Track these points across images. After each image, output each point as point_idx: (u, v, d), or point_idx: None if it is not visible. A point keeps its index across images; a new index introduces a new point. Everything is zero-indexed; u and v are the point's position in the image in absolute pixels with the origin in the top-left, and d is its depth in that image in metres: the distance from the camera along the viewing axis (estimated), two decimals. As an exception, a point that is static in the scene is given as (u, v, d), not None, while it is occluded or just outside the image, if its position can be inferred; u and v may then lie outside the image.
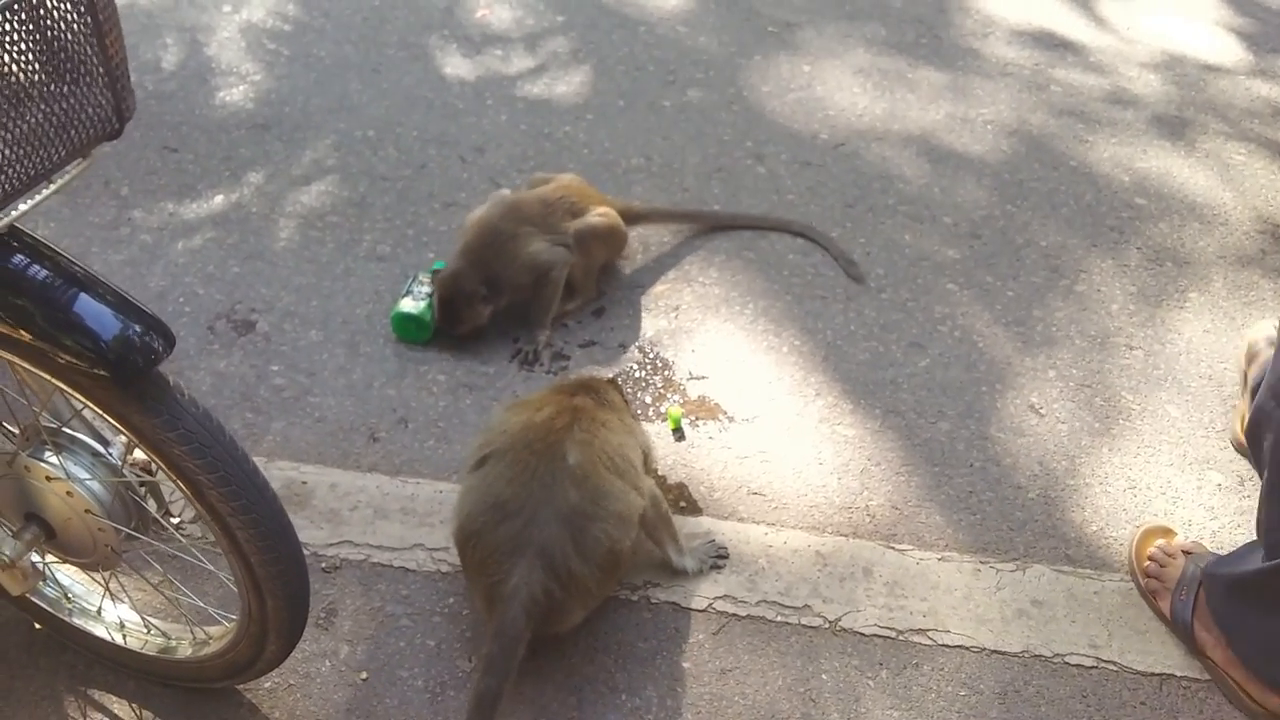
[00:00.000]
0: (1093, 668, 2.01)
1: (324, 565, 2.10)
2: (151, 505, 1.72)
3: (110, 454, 1.66)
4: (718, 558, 2.13)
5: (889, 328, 2.64)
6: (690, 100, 3.29)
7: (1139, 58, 3.56)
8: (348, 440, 2.34)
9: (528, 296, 2.58)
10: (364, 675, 1.94)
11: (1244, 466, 2.36)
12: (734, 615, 2.05)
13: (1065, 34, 3.64)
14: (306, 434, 2.35)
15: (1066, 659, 2.02)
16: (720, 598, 2.07)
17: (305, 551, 2.10)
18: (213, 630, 1.85)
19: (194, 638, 1.87)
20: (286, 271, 2.71)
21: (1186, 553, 2.09)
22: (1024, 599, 2.10)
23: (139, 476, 1.69)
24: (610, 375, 2.36)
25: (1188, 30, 3.56)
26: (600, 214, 2.64)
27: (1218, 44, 3.66)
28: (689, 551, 2.10)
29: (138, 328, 1.44)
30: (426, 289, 2.56)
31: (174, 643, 1.88)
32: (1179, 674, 2.00)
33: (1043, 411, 2.47)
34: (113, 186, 2.91)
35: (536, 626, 1.83)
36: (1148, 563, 2.11)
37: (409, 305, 2.52)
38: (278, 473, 2.25)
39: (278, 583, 1.64)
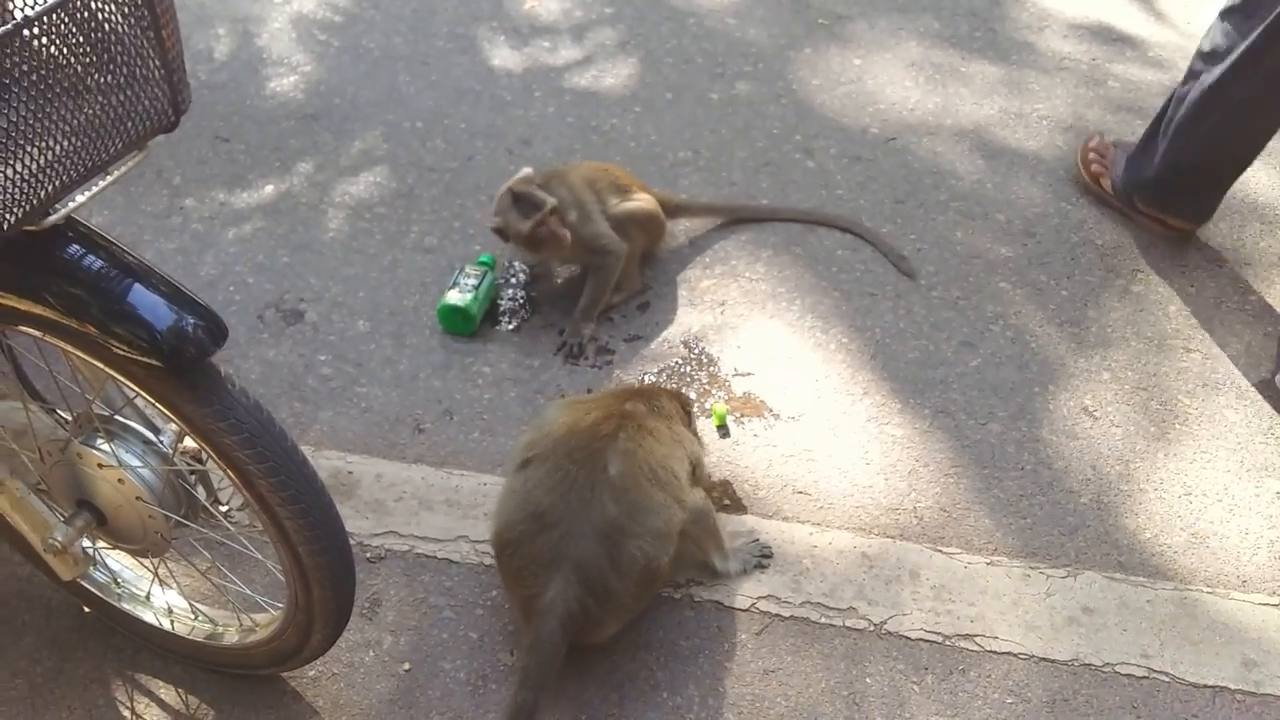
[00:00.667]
0: (1144, 678, 1.96)
1: (369, 555, 2.12)
2: (201, 493, 1.74)
3: (161, 442, 1.68)
4: (762, 557, 2.11)
5: (939, 326, 2.60)
6: (739, 93, 3.26)
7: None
8: (394, 431, 2.35)
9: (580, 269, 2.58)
10: (406, 666, 1.95)
11: (1305, 475, 2.30)
12: (777, 616, 2.04)
13: (1123, 28, 3.56)
14: (353, 424, 2.36)
15: (1117, 668, 1.98)
16: (764, 598, 2.06)
17: (350, 542, 2.12)
18: (259, 618, 1.87)
19: (240, 625, 1.89)
20: (335, 262, 2.73)
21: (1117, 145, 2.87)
22: (1074, 606, 2.06)
23: (189, 465, 1.71)
24: (677, 388, 2.33)
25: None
26: (640, 199, 2.62)
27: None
28: (732, 554, 2.09)
29: (191, 319, 1.45)
30: (473, 281, 2.56)
31: (220, 629, 1.90)
32: (1232, 686, 1.96)
33: (1096, 414, 2.42)
34: (165, 176, 2.95)
35: (573, 638, 1.83)
36: (1090, 154, 2.87)
37: (455, 297, 2.53)
38: (325, 462, 2.27)
39: (324, 572, 1.66)
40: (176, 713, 1.90)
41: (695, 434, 2.18)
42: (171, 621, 1.92)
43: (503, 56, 3.39)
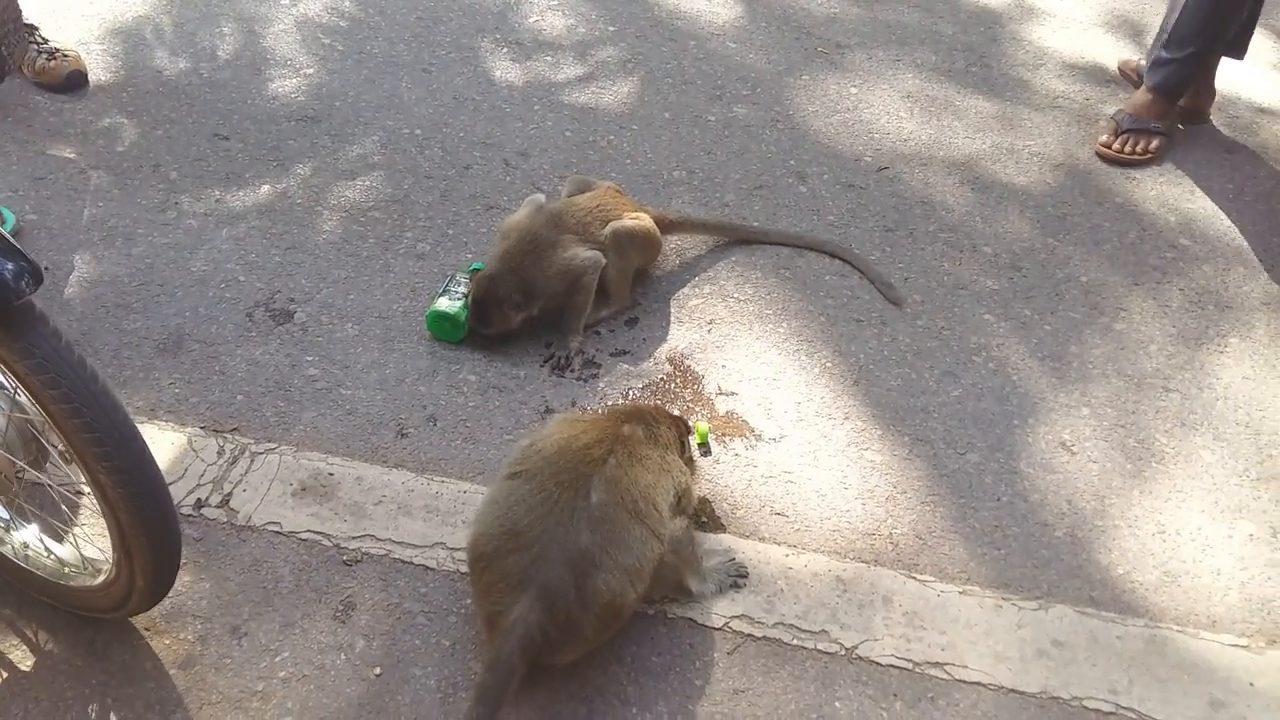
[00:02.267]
0: (1111, 714, 1.98)
1: (345, 558, 2.12)
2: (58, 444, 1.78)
3: (9, 388, 1.73)
4: (738, 577, 2.12)
5: (923, 355, 2.62)
6: (736, 116, 3.29)
7: (1192, 97, 3.51)
8: (376, 435, 2.36)
9: (561, 304, 2.59)
10: (377, 670, 1.95)
11: (1277, 518, 2.32)
12: (750, 635, 2.04)
13: (1118, 71, 3.60)
14: (336, 426, 2.37)
15: (1085, 703, 1.99)
16: (737, 617, 2.07)
17: (328, 543, 2.13)
18: (99, 562, 1.92)
19: (85, 568, 1.94)
20: (326, 264, 2.74)
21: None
22: (1045, 639, 2.08)
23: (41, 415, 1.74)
24: (678, 413, 2.33)
25: (1242, 71, 3.51)
26: (634, 217, 2.65)
27: (1273, 86, 3.61)
28: (708, 574, 2.09)
29: (9, 264, 1.53)
30: (463, 289, 2.58)
31: (68, 571, 1.95)
32: (1199, 725, 1.97)
33: (1074, 449, 2.44)
34: (163, 171, 2.96)
35: (532, 660, 1.84)
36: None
37: (445, 304, 2.54)
38: (306, 463, 2.27)
39: (138, 526, 1.71)
40: (141, 707, 1.90)
41: (691, 459, 2.20)
42: (27, 559, 1.96)
43: (504, 69, 3.41)
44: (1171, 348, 2.69)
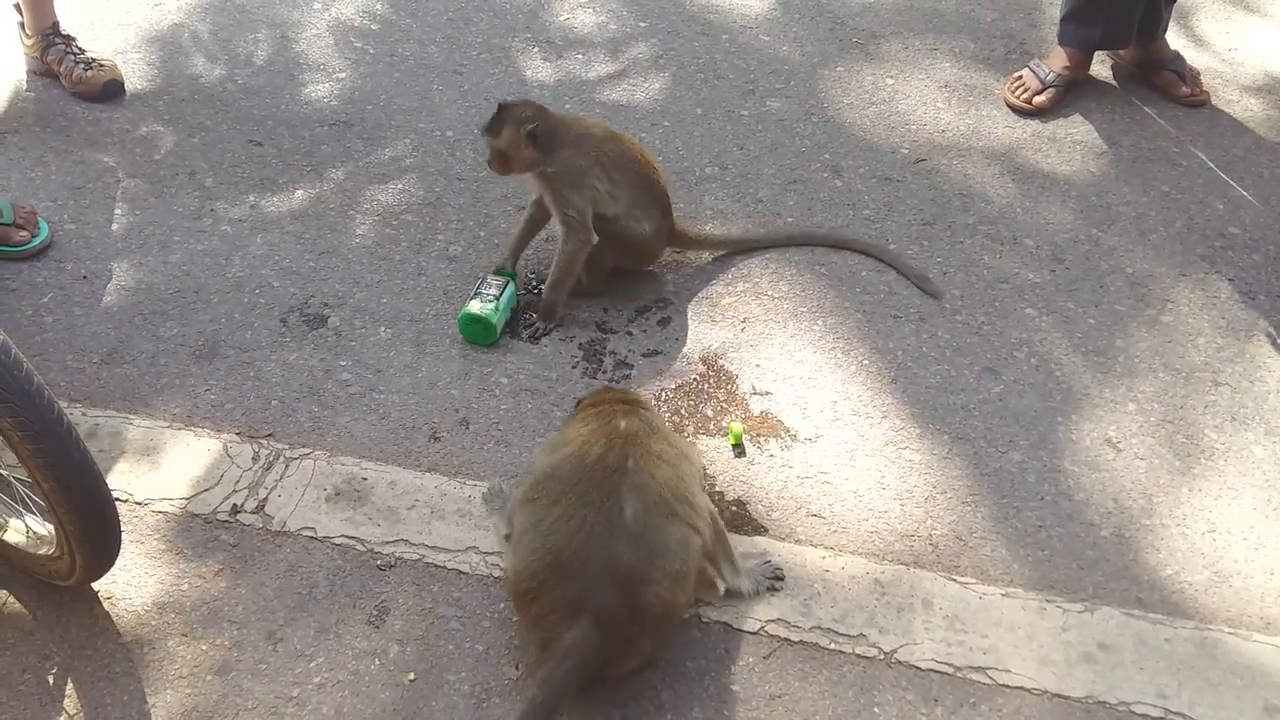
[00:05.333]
0: (1160, 719, 1.92)
1: (379, 563, 2.12)
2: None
3: None
4: (774, 579, 2.09)
5: (962, 351, 2.57)
6: (769, 110, 3.25)
7: (1241, 80, 3.41)
8: (409, 439, 2.36)
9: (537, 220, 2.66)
10: (411, 676, 1.95)
11: (1335, 516, 2.24)
12: (786, 640, 2.01)
13: (1164, 53, 3.51)
14: (370, 430, 2.37)
15: (1132, 708, 1.93)
16: (773, 621, 2.04)
17: (362, 548, 2.14)
18: (45, 534, 2.01)
19: (37, 538, 2.03)
20: (360, 268, 2.75)
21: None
22: (1090, 642, 2.02)
23: None
24: (637, 392, 2.28)
25: (1295, 53, 3.41)
26: (642, 228, 2.60)
27: (1328, 68, 3.49)
28: (745, 573, 2.07)
29: None
30: (494, 290, 2.57)
31: (27, 539, 2.04)
32: (1253, 731, 1.91)
33: (1120, 446, 2.38)
34: (198, 177, 2.98)
35: (588, 680, 1.84)
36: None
37: (477, 307, 2.53)
38: (340, 468, 2.28)
39: (67, 507, 1.80)
40: (179, 713, 1.91)
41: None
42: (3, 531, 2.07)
43: (536, 68, 3.40)
44: (1220, 340, 2.61)
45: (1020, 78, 3.28)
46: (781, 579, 2.10)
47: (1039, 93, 3.24)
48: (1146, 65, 3.32)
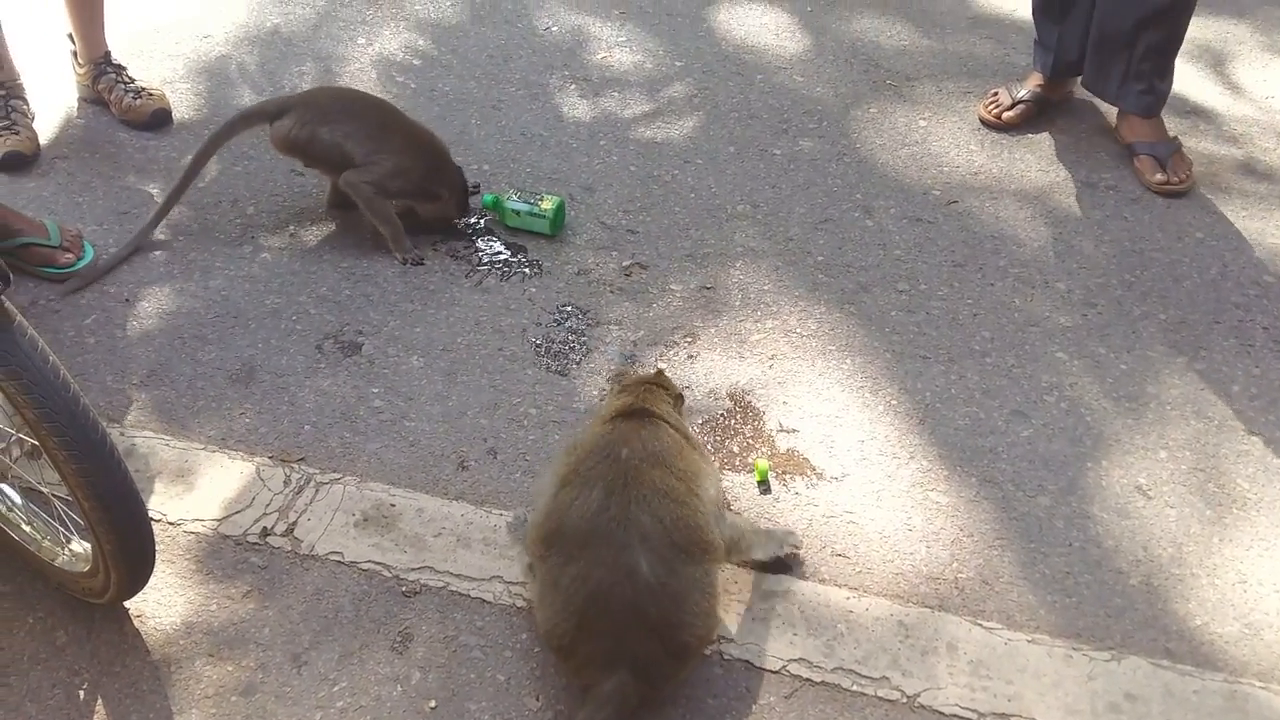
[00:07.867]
0: (1188, 772, 1.89)
1: (404, 589, 2.14)
2: None
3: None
4: (793, 548, 2.16)
5: (991, 393, 2.56)
6: (801, 149, 3.28)
7: (1278, 127, 3.40)
8: (438, 466, 2.38)
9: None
10: (433, 704, 1.96)
11: (1370, 570, 2.20)
12: (808, 680, 2.00)
13: (1199, 100, 3.51)
14: (399, 457, 2.40)
15: (1159, 760, 1.91)
16: (795, 660, 2.03)
17: (387, 574, 2.15)
18: (81, 551, 2.05)
19: (74, 554, 2.06)
20: (395, 297, 2.79)
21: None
22: (1117, 691, 2.00)
23: None
24: (657, 370, 2.30)
25: (1334, 102, 3.39)
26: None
27: (1367, 117, 3.47)
28: (760, 546, 2.13)
29: None
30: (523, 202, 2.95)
31: (65, 555, 2.08)
32: (1284, 789, 1.87)
33: (1151, 493, 2.36)
34: (240, 205, 3.05)
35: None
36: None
37: (519, 205, 2.94)
38: (369, 494, 2.31)
39: (105, 525, 1.82)
40: (207, 733, 1.93)
41: (680, 397, 2.20)
42: (39, 546, 2.09)
43: (571, 105, 3.45)
44: (1254, 389, 2.59)
45: (996, 94, 3.39)
46: (799, 547, 2.18)
47: (1009, 108, 3.35)
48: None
